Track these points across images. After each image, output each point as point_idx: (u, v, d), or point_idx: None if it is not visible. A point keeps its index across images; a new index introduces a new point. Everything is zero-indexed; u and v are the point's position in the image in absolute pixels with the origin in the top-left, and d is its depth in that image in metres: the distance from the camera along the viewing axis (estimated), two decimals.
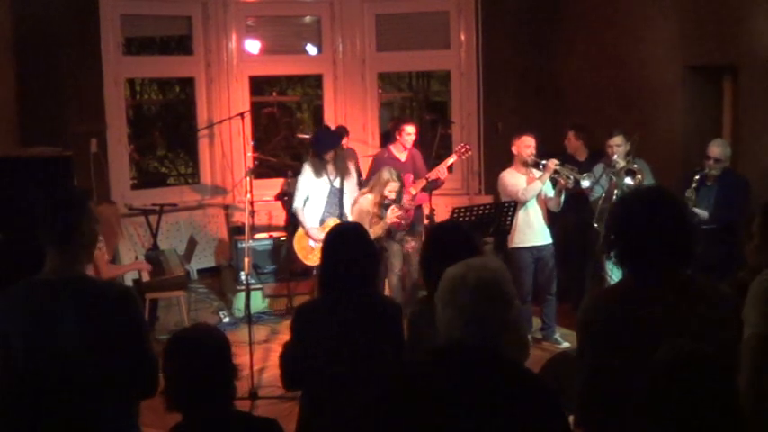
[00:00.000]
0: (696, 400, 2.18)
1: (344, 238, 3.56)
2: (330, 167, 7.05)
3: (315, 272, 7.41)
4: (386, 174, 6.72)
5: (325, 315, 3.44)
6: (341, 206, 6.99)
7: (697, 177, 6.28)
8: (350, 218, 6.88)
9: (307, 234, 7.08)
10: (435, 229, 4.22)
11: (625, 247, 2.67)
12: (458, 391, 2.26)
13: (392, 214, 6.52)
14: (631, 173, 6.49)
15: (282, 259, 8.36)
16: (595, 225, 6.80)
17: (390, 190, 6.60)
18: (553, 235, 7.05)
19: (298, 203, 7.09)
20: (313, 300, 4.07)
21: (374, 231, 6.51)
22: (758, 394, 2.58)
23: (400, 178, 6.77)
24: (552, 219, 7.12)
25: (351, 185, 7.15)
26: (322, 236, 6.80)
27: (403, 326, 3.55)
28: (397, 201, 6.70)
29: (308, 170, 7.08)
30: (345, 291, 3.43)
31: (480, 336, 2.31)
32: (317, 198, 7.05)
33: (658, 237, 2.59)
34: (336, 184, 7.01)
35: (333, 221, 6.91)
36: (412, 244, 7.33)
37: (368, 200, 6.72)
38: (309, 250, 7.12)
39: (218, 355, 2.63)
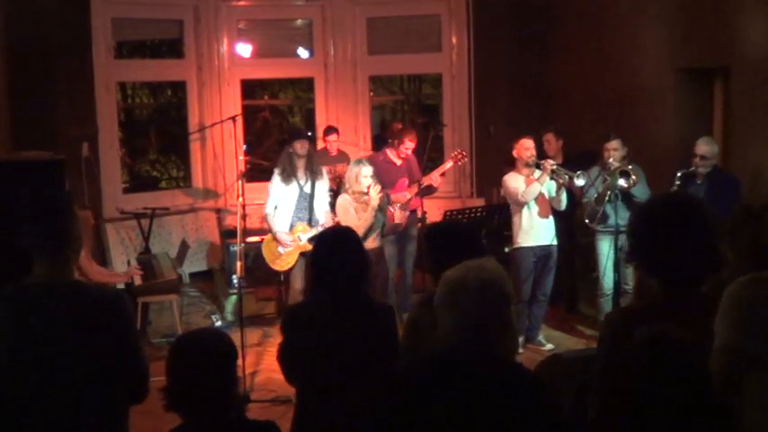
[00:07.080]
0: (670, 382, 2.18)
1: (335, 241, 3.58)
2: (301, 169, 6.93)
3: (281, 277, 7.41)
4: (354, 167, 6.72)
5: (314, 317, 3.45)
6: (311, 210, 6.91)
7: (679, 174, 6.28)
8: (321, 222, 6.86)
9: (275, 239, 7.00)
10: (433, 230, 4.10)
11: (654, 258, 2.56)
12: (462, 396, 2.25)
13: (375, 194, 6.50)
14: (625, 174, 6.50)
15: (250, 263, 8.24)
16: (586, 221, 6.82)
17: (364, 176, 6.58)
18: None
19: (268, 209, 6.99)
20: (303, 301, 4.08)
21: (366, 219, 6.49)
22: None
23: (368, 163, 6.75)
24: None
25: (323, 188, 7.05)
26: (290, 240, 6.84)
27: (397, 327, 3.57)
28: (374, 184, 6.63)
29: (276, 175, 7.00)
30: (335, 292, 3.44)
31: (482, 339, 2.30)
32: (286, 203, 6.94)
33: (690, 249, 2.50)
34: (307, 188, 6.94)
35: (302, 226, 6.89)
36: (400, 213, 7.26)
37: (346, 196, 6.70)
38: (278, 255, 6.98)
39: (227, 360, 2.61)
